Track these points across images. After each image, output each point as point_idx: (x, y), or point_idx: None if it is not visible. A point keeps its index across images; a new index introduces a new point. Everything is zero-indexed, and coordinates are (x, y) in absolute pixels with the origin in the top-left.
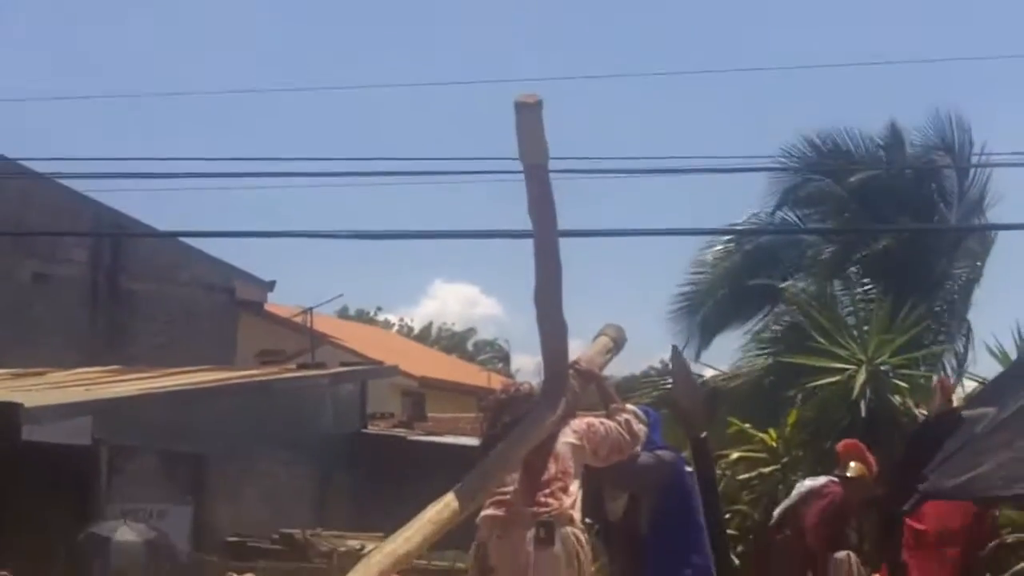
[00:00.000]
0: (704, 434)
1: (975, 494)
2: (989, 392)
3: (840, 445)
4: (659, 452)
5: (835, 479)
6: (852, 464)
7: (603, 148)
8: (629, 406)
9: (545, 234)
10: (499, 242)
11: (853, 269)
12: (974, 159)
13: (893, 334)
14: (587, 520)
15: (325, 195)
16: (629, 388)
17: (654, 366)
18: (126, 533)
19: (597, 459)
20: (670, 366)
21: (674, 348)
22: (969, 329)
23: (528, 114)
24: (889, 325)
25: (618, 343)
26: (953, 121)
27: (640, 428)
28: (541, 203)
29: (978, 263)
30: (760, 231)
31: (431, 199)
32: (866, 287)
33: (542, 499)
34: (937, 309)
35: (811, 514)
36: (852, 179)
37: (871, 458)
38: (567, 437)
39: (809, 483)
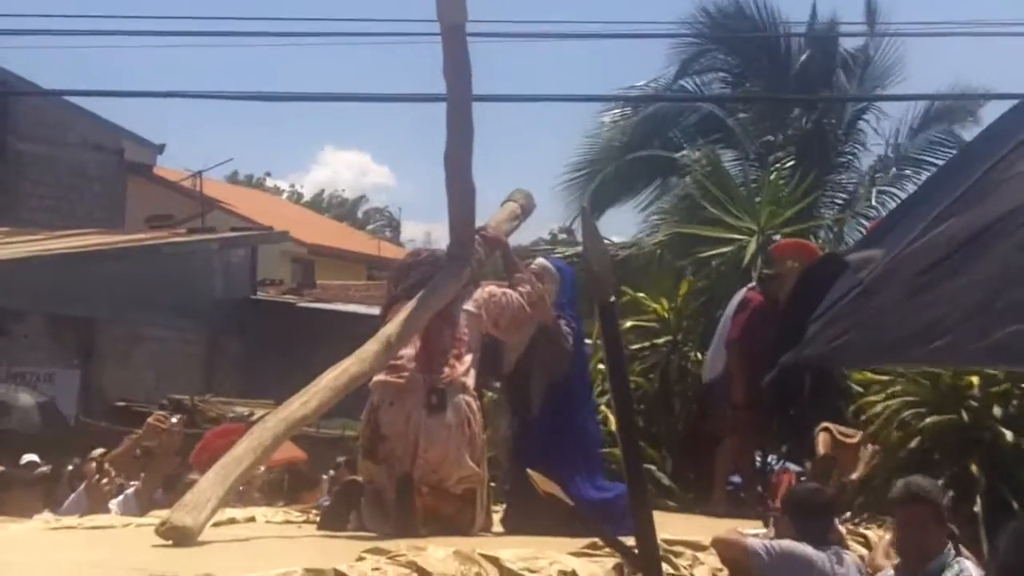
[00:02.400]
0: (613, 298)
1: (842, 364)
2: (881, 231)
3: (775, 246)
4: (562, 320)
5: (752, 286)
6: (788, 262)
7: (498, 11)
8: (539, 261)
9: (459, 97)
10: (391, 109)
11: (749, 140)
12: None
13: (785, 204)
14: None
15: (215, 57)
16: (520, 257)
17: (543, 237)
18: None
19: (497, 330)
20: (579, 227)
21: (583, 208)
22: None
23: None
24: (781, 195)
25: (526, 210)
26: None
27: (541, 299)
28: (457, 65)
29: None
30: (657, 98)
31: (324, 63)
32: (761, 156)
33: (435, 366)
34: (836, 179)
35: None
36: (752, 49)
37: (814, 252)
38: (466, 305)
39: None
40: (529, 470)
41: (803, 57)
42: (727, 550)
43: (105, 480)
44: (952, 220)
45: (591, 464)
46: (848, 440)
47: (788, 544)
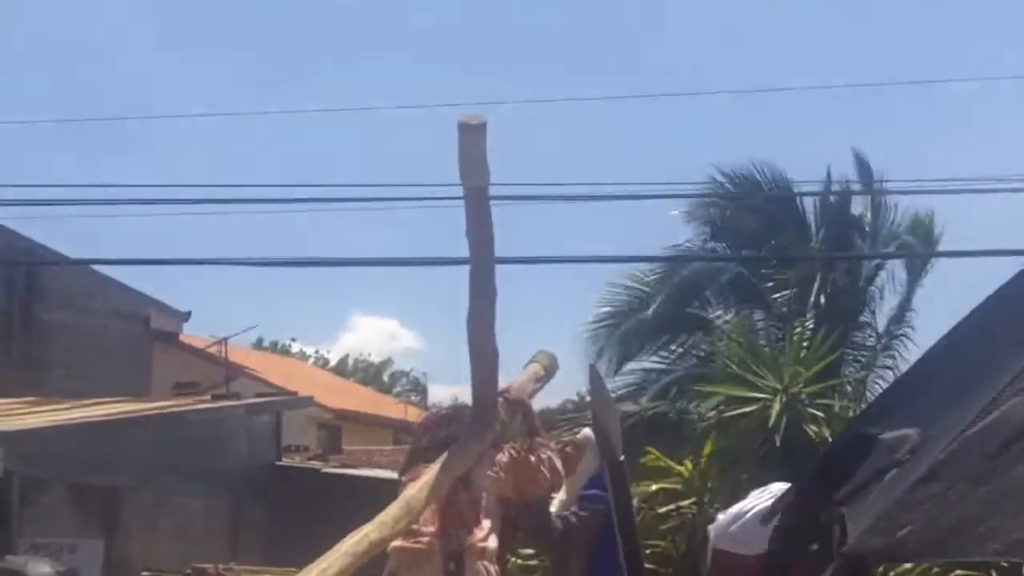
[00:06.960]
0: (622, 457)
1: (908, 557)
2: (902, 396)
3: None
4: (578, 513)
5: None
6: None
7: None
8: (583, 432)
9: (482, 258)
10: (419, 275)
11: (772, 299)
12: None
13: (808, 362)
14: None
15: (240, 223)
16: (546, 422)
17: (571, 399)
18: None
19: (516, 495)
20: (588, 386)
21: (591, 367)
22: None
23: (471, 135)
24: (804, 353)
25: (549, 371)
26: (864, 158)
27: (560, 466)
28: (480, 226)
29: (906, 292)
30: (689, 257)
31: (350, 229)
32: (785, 316)
33: (453, 532)
34: (857, 337)
35: None
36: (771, 209)
37: None
38: (486, 469)
39: None
40: None
41: (818, 223)
42: None
43: None
44: (1016, 399)
45: None
46: None
47: None
